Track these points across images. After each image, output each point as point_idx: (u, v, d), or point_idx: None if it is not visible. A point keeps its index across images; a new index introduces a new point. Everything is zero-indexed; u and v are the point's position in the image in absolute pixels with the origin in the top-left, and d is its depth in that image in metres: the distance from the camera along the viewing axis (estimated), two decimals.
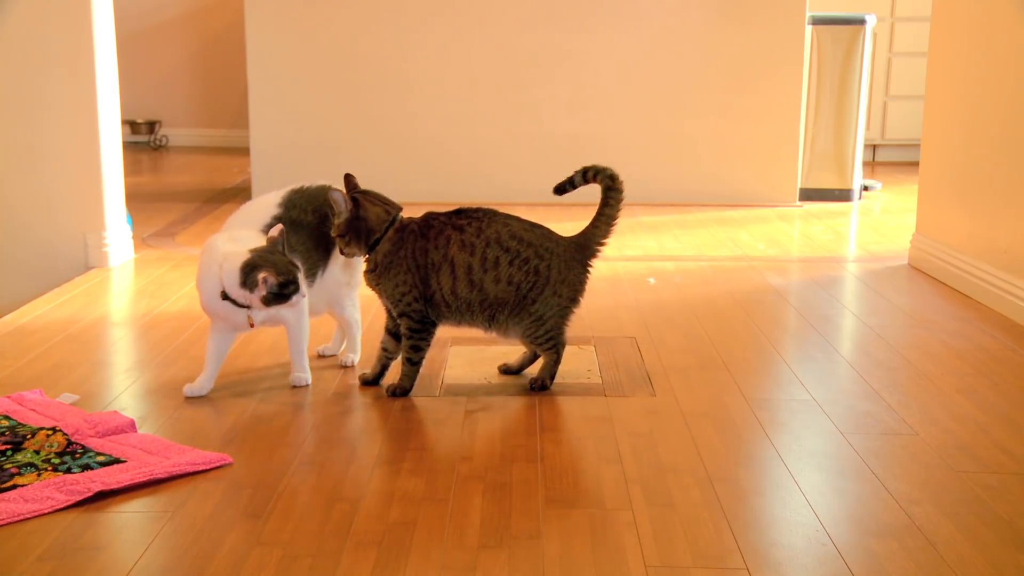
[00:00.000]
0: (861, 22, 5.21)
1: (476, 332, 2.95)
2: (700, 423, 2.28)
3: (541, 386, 2.45)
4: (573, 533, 1.76)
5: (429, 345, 2.43)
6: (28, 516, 1.80)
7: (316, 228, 2.49)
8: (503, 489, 1.94)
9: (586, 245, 2.47)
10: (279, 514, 1.83)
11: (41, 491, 1.87)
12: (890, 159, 6.70)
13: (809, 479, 2.00)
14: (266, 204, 2.52)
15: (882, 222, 4.77)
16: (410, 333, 2.40)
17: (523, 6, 5.10)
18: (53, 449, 2.04)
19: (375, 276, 2.38)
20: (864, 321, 3.15)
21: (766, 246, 4.20)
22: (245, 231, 2.42)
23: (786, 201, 5.19)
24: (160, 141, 7.34)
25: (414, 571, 1.63)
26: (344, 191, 2.37)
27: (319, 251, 2.50)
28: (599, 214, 2.49)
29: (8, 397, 2.31)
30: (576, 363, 2.68)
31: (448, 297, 2.36)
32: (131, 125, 7.25)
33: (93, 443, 2.08)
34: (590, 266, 2.48)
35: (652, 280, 3.61)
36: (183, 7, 7.26)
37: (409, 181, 5.15)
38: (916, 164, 4.07)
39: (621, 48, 5.13)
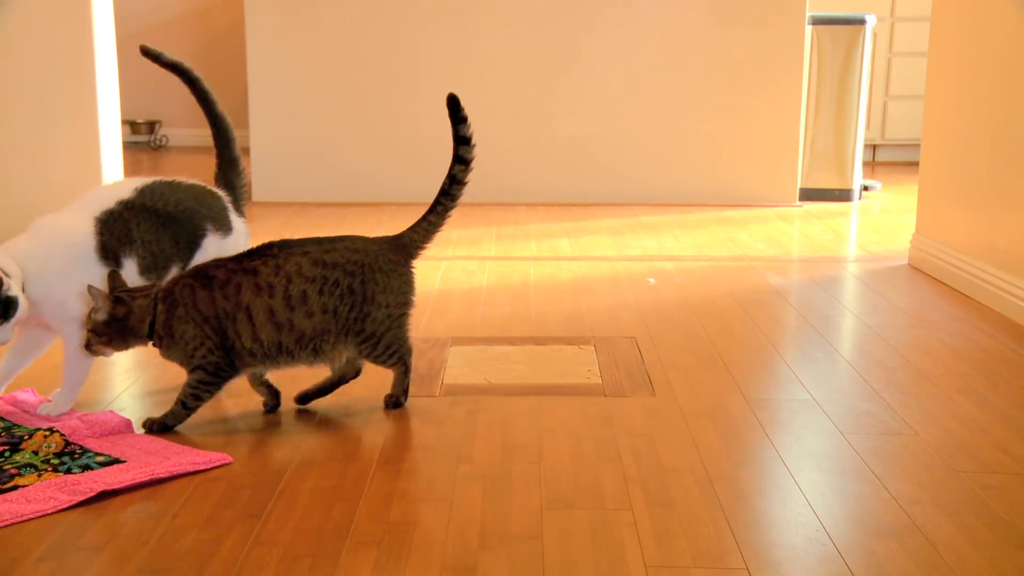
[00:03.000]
0: (861, 22, 5.21)
1: (474, 332, 2.97)
2: (700, 423, 2.28)
3: (395, 403, 2.33)
4: (573, 533, 1.76)
5: (212, 396, 2.22)
6: (31, 516, 1.80)
7: (173, 220, 2.29)
8: (503, 489, 1.94)
9: (405, 245, 2.31)
10: (279, 514, 1.83)
11: (43, 491, 1.87)
12: (890, 159, 6.70)
13: (809, 479, 2.00)
14: (120, 188, 2.30)
15: (882, 222, 4.77)
16: (197, 383, 2.18)
17: (525, 10, 5.11)
18: (51, 450, 2.04)
19: (164, 349, 2.19)
20: (864, 321, 3.15)
21: (766, 246, 4.20)
22: (57, 214, 2.23)
23: (786, 201, 5.20)
24: (160, 141, 7.35)
25: (414, 571, 1.63)
26: (102, 290, 2.14)
27: (175, 245, 2.31)
28: (424, 218, 2.33)
29: (1, 398, 2.31)
30: (576, 363, 2.68)
31: (251, 345, 2.16)
32: (131, 125, 7.26)
33: (91, 443, 2.08)
34: (412, 265, 2.32)
35: (652, 280, 3.62)
36: (183, 7, 7.27)
37: (410, 181, 5.16)
38: (916, 164, 4.08)
39: (622, 49, 5.13)
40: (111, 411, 2.24)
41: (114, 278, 2.16)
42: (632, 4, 5.11)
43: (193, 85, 2.49)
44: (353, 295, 2.20)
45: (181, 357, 2.19)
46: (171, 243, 2.30)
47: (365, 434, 2.23)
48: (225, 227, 2.40)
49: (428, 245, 2.34)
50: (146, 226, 2.26)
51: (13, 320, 2.10)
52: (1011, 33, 3.18)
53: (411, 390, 2.44)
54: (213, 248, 2.36)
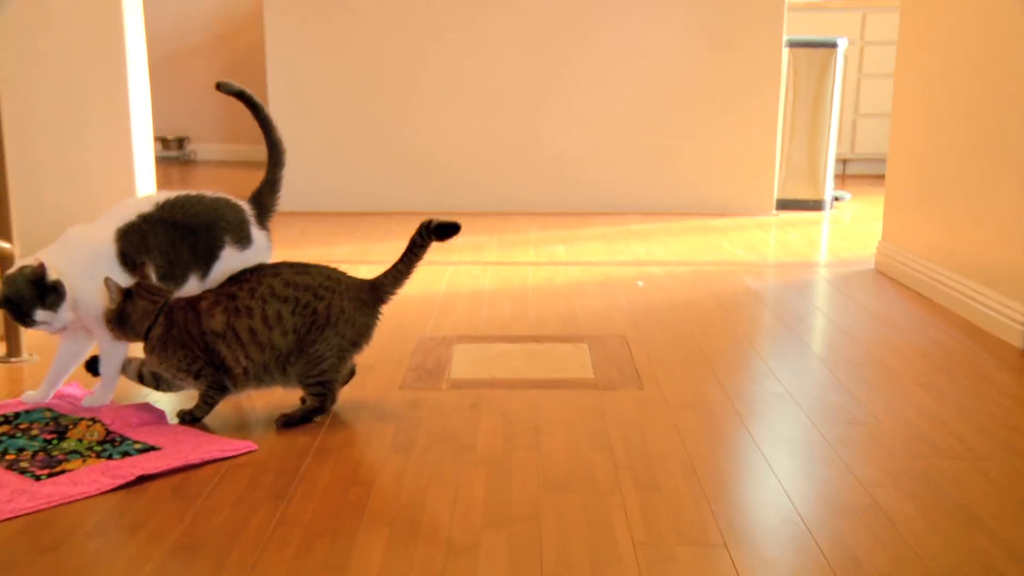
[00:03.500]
0: (833, 45, 5.22)
1: (478, 331, 2.98)
2: (684, 414, 2.30)
3: (285, 423, 2.18)
4: (568, 514, 1.78)
5: (220, 401, 2.22)
6: (78, 497, 1.83)
7: (191, 231, 2.27)
8: (504, 474, 1.96)
9: (378, 288, 2.23)
10: (300, 496, 1.85)
11: (88, 475, 1.90)
12: (859, 172, 6.70)
13: (782, 464, 2.02)
14: (143, 202, 2.29)
15: (851, 230, 4.78)
16: (208, 390, 2.19)
17: (521, 32, 5.11)
18: (94, 438, 2.07)
19: (154, 357, 2.17)
20: (833, 321, 3.16)
21: (745, 252, 4.21)
22: (87, 225, 2.26)
23: (763, 211, 5.20)
24: (189, 156, 7.35)
25: (423, 549, 1.65)
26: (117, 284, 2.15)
27: (192, 255, 2.28)
28: (395, 266, 2.24)
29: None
30: (571, 359, 2.70)
31: (243, 363, 2.15)
32: (162, 141, 7.26)
33: (130, 432, 2.11)
34: (379, 311, 2.25)
35: (641, 283, 3.62)
36: (209, 33, 7.27)
37: (415, 192, 5.18)
38: (883, 177, 4.07)
39: (614, 73, 5.14)
40: (148, 403, 2.26)
41: (140, 271, 2.18)
42: (622, 29, 5.11)
43: (256, 111, 2.46)
44: (315, 316, 2.15)
45: (171, 371, 2.17)
46: (188, 253, 2.28)
47: (378, 424, 2.24)
48: (244, 240, 2.35)
49: (398, 291, 2.26)
50: (163, 237, 2.24)
51: (62, 308, 2.13)
52: (970, 57, 3.20)
53: (419, 384, 2.45)
54: (234, 259, 2.32)
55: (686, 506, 1.82)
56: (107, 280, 2.13)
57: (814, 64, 5.23)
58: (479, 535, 1.70)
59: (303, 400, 2.26)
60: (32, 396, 2.30)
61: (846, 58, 6.45)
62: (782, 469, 1.99)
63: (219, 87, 2.44)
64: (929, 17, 3.50)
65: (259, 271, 2.19)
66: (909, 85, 3.69)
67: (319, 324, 2.16)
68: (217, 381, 2.18)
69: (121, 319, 2.14)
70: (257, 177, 2.53)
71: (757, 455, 2.07)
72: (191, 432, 2.13)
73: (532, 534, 1.70)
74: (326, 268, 2.23)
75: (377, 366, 2.63)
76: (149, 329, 2.15)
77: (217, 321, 2.14)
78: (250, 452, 2.05)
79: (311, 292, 2.16)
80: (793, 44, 5.22)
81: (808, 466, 2.02)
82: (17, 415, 2.20)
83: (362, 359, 2.67)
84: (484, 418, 2.27)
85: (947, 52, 3.36)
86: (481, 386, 2.49)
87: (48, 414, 2.20)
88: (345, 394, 2.37)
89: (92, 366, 2.31)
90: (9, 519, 1.75)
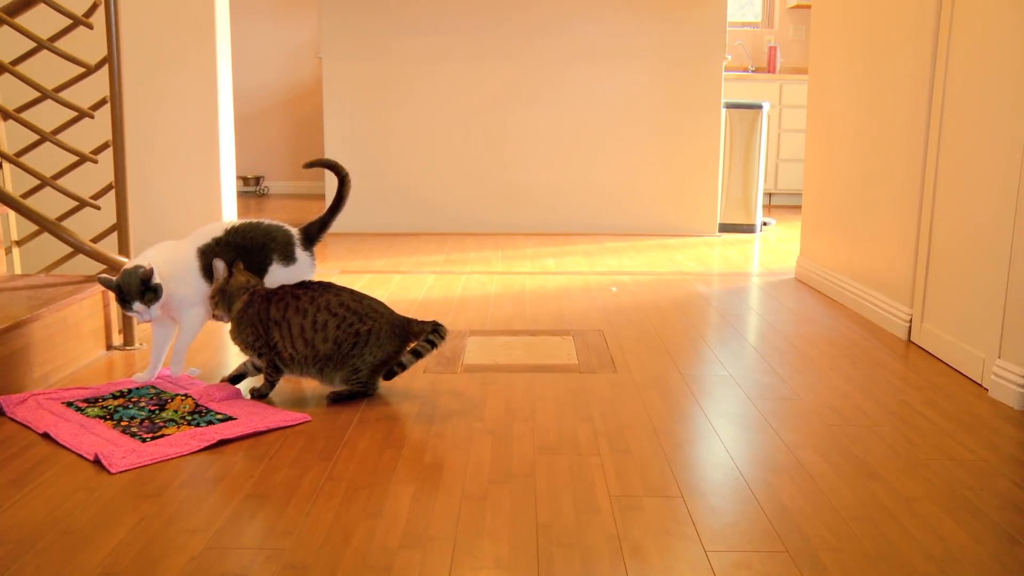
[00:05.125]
0: (760, 107, 5.21)
1: (486, 326, 2.95)
2: (649, 392, 2.26)
3: (335, 399, 2.15)
4: (557, 472, 1.75)
5: (278, 380, 2.17)
6: (173, 456, 1.79)
7: (247, 251, 2.25)
8: (506, 440, 1.92)
9: (408, 327, 2.16)
10: (344, 457, 1.81)
11: (181, 439, 1.86)
12: (781, 203, 6.68)
13: (726, 432, 1.98)
14: (216, 228, 2.29)
15: (776, 248, 4.75)
16: (267, 371, 2.15)
17: (519, 94, 5.10)
18: (186, 409, 2.03)
19: (234, 330, 2.15)
20: (764, 318, 3.13)
21: (695, 264, 4.18)
22: (179, 242, 2.28)
23: (709, 232, 5.18)
24: (264, 191, 7.33)
25: (442, 499, 1.62)
26: (224, 264, 2.17)
27: (248, 268, 2.25)
28: (422, 323, 2.16)
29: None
30: (559, 349, 2.66)
31: (289, 350, 2.10)
32: (243, 179, 7.24)
33: (213, 405, 2.07)
34: (408, 344, 2.15)
35: (614, 289, 3.59)
36: (281, 97, 7.26)
37: (437, 219, 5.16)
38: (799, 207, 4.05)
39: (592, 126, 5.13)
40: (224, 383, 2.22)
41: (237, 264, 2.20)
42: (595, 88, 5.10)
43: (338, 173, 2.42)
44: (357, 337, 2.10)
45: (241, 345, 2.14)
46: (246, 266, 2.26)
47: (406, 401, 2.21)
48: (289, 258, 2.30)
49: (424, 332, 2.16)
50: (229, 255, 2.24)
51: (156, 304, 2.17)
52: (862, 118, 3.18)
53: (440, 368, 2.41)
54: (279, 273, 2.28)
55: (651, 465, 1.78)
56: (216, 262, 2.17)
57: (745, 121, 5.22)
58: (486, 488, 1.67)
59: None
60: (141, 376, 2.29)
61: (769, 117, 6.45)
62: (726, 436, 1.95)
63: (306, 166, 2.43)
64: (829, 87, 3.49)
65: (326, 287, 2.14)
66: (817, 138, 3.67)
67: (360, 343, 2.10)
68: (273, 361, 2.14)
69: (223, 292, 2.15)
70: (316, 207, 2.50)
71: (706, 425, 2.03)
72: (260, 405, 2.09)
73: (528, 488, 1.67)
74: (376, 302, 2.16)
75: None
76: (235, 305, 2.15)
77: (277, 311, 2.11)
78: (305, 422, 2.01)
79: (357, 316, 2.10)
80: (729, 105, 5.22)
81: (746, 433, 1.98)
82: (129, 391, 2.18)
83: None
84: (490, 395, 2.24)
85: (844, 113, 3.34)
86: (488, 370, 2.45)
87: (152, 390, 2.18)
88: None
89: (235, 380, 2.25)
90: (123, 472, 1.72)
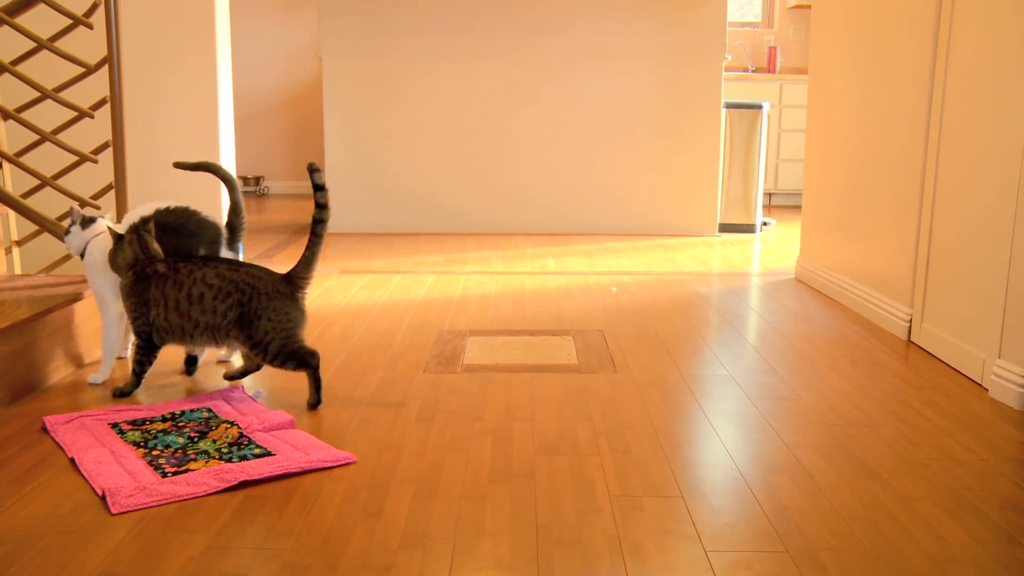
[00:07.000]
0: (760, 107, 5.20)
1: (486, 326, 2.95)
2: (649, 392, 2.26)
3: (311, 406, 2.11)
4: (557, 472, 1.74)
5: (151, 364, 2.19)
6: (185, 497, 1.64)
7: (169, 230, 2.23)
8: (506, 440, 1.92)
9: (291, 278, 2.11)
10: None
11: (200, 478, 1.71)
12: (781, 203, 6.68)
13: (726, 431, 1.98)
14: (149, 207, 2.28)
15: (776, 248, 4.75)
16: (138, 349, 2.17)
17: (500, 85, 5.10)
18: (226, 440, 1.89)
19: (122, 298, 2.19)
20: (764, 318, 3.13)
21: (695, 264, 4.18)
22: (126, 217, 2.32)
23: (709, 232, 5.18)
24: (263, 190, 7.33)
25: (442, 499, 1.62)
26: (135, 229, 2.17)
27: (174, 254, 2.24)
28: (303, 255, 2.12)
29: (220, 392, 2.21)
30: (559, 349, 2.66)
31: (163, 323, 2.11)
32: (243, 179, 7.24)
33: (258, 437, 1.92)
34: (299, 295, 2.11)
35: (614, 289, 3.59)
36: (281, 97, 7.26)
37: (437, 219, 5.16)
38: (800, 207, 4.05)
39: (595, 130, 5.13)
40: (283, 411, 2.07)
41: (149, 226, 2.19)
42: (598, 91, 5.10)
43: (225, 181, 2.39)
44: (242, 308, 2.07)
45: (128, 314, 2.17)
46: (171, 249, 2.24)
47: (406, 400, 2.21)
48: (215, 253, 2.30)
49: (311, 275, 2.12)
50: (156, 234, 2.22)
51: (73, 232, 2.29)
52: (862, 118, 3.17)
53: (439, 368, 2.41)
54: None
55: (651, 465, 1.78)
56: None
57: (745, 121, 5.21)
58: (486, 489, 1.66)
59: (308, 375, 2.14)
60: (95, 377, 2.26)
61: (769, 117, 6.44)
62: (726, 435, 1.95)
63: (177, 165, 2.37)
64: (829, 87, 3.48)
65: (206, 260, 2.13)
66: (817, 138, 3.67)
67: (247, 316, 2.07)
68: (148, 337, 2.15)
69: (112, 262, 2.17)
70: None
71: (706, 424, 2.03)
72: (305, 439, 1.90)
73: (528, 488, 1.67)
74: (255, 267, 2.12)
75: (405, 354, 2.59)
76: (121, 281, 2.16)
77: (156, 289, 2.11)
78: (350, 463, 1.79)
79: (235, 286, 2.07)
80: (729, 106, 5.21)
81: (746, 433, 1.98)
82: (182, 413, 2.06)
83: (393, 347, 2.65)
84: (490, 395, 2.23)
85: (843, 113, 3.34)
86: (488, 370, 2.45)
87: (206, 413, 2.06)
88: (379, 376, 2.34)
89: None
90: (124, 512, 1.58)
